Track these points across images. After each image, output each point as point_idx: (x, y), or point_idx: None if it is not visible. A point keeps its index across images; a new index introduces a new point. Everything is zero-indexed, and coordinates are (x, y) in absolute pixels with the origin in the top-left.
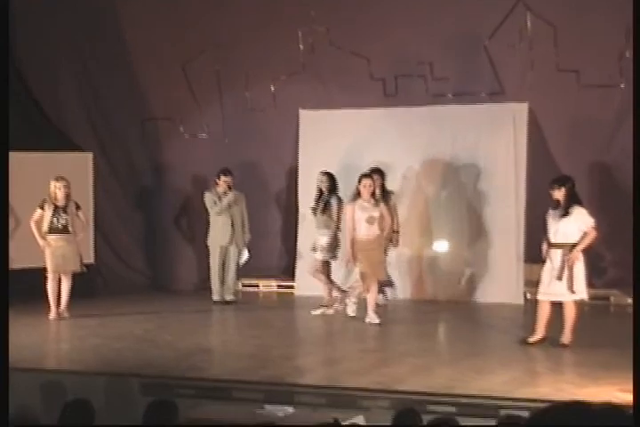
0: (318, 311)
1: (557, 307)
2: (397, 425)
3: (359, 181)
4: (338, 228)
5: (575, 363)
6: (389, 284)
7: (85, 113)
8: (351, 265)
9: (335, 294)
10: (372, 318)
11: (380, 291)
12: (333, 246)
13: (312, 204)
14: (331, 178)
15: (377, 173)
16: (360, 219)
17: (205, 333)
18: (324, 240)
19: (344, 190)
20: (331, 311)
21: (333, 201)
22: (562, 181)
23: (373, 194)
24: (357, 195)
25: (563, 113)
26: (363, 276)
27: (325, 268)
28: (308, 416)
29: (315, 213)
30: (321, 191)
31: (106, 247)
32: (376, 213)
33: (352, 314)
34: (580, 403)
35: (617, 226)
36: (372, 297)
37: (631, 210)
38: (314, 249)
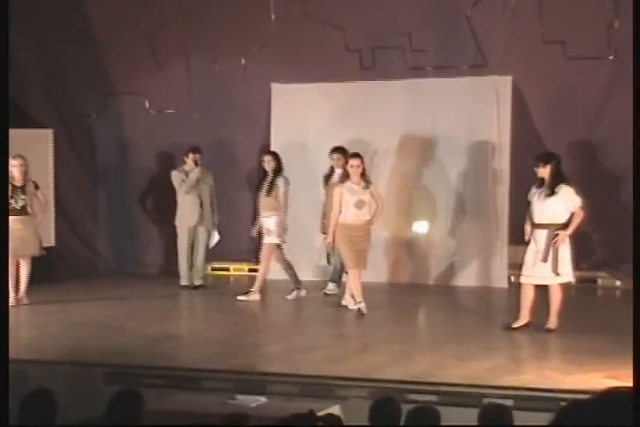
0: (292, 295)
1: (542, 290)
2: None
3: (346, 162)
4: (285, 210)
5: (561, 349)
6: (338, 280)
7: (45, 87)
8: (330, 249)
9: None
10: (349, 302)
11: (333, 280)
12: (282, 229)
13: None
14: (276, 158)
15: (339, 152)
16: (348, 202)
17: (173, 319)
18: (271, 223)
19: (319, 168)
20: (303, 293)
21: (280, 182)
22: (547, 158)
23: (363, 175)
24: (346, 177)
25: (548, 86)
26: (344, 260)
27: (279, 252)
28: (281, 407)
29: (259, 195)
30: (265, 172)
31: (67, 229)
32: (366, 197)
33: (365, 311)
34: (616, 390)
35: (603, 206)
36: (352, 282)
37: (618, 188)
38: (263, 233)
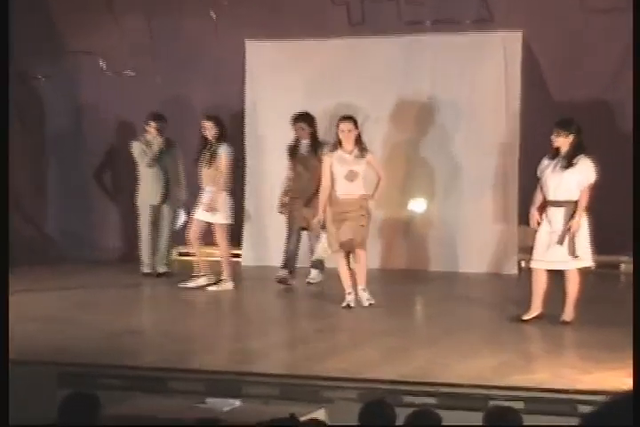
0: (190, 284)
1: (557, 277)
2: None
3: (337, 127)
4: (227, 183)
5: (577, 344)
6: (320, 266)
7: None
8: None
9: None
10: (363, 299)
11: (316, 267)
12: (229, 207)
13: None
14: (218, 123)
15: (302, 120)
16: (338, 174)
17: (134, 311)
18: (215, 199)
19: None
20: (202, 282)
21: (222, 151)
22: (568, 125)
23: (357, 142)
24: (338, 144)
25: (563, 43)
26: (329, 243)
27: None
28: (258, 411)
29: (199, 166)
30: (206, 140)
31: (11, 208)
32: (359, 167)
33: (352, 305)
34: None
35: (623, 179)
36: (339, 269)
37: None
38: (205, 210)
